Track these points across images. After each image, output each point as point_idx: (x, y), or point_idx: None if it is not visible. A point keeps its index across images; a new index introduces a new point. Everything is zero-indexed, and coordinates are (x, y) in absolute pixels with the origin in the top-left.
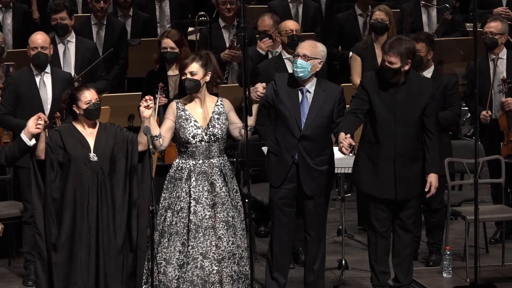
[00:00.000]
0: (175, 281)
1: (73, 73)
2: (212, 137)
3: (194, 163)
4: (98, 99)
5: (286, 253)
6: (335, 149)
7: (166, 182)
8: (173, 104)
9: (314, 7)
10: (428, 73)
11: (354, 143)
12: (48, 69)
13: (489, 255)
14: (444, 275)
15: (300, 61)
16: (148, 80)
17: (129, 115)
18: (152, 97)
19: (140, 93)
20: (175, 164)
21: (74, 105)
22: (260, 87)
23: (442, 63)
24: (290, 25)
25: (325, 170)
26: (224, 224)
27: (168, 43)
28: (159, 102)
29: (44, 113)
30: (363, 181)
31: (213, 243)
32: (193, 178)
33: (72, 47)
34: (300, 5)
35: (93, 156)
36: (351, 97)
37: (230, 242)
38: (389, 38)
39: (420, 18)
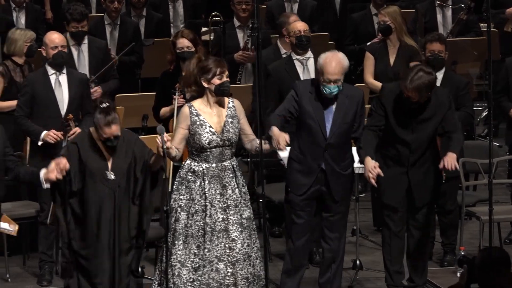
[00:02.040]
0: (190, 284)
1: (88, 75)
2: (227, 142)
3: (207, 166)
4: (115, 135)
5: (305, 253)
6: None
7: (176, 183)
8: (185, 110)
9: (310, 6)
10: (440, 74)
11: (382, 174)
12: (64, 69)
13: None
14: (459, 275)
15: (333, 86)
16: (162, 80)
17: (143, 115)
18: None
19: (154, 93)
20: (186, 166)
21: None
22: (282, 141)
23: (456, 64)
24: (299, 26)
25: (349, 174)
26: (238, 226)
27: (184, 42)
28: (177, 103)
29: (60, 114)
30: (384, 194)
31: (227, 245)
32: (207, 181)
33: (85, 48)
34: (296, 4)
35: (110, 175)
36: (365, 98)
37: (245, 244)
38: (409, 66)
39: (435, 18)
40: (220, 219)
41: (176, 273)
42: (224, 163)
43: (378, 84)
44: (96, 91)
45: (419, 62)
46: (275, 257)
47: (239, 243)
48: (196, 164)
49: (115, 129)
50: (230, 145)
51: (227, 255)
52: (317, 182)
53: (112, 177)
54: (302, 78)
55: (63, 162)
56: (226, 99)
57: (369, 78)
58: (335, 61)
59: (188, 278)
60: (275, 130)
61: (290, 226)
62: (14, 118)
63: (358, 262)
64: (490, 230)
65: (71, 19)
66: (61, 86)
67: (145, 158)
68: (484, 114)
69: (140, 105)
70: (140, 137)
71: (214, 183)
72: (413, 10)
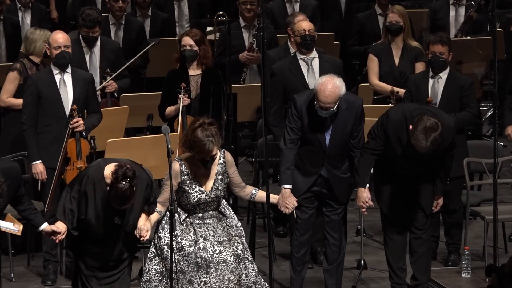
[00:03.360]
0: None
1: (98, 78)
2: (214, 198)
3: (194, 215)
4: (128, 181)
5: (308, 248)
6: None
7: (163, 222)
8: (176, 167)
9: (312, 6)
10: (444, 74)
11: (373, 206)
12: (68, 69)
13: (508, 254)
14: (463, 275)
15: (325, 112)
16: (168, 79)
17: (147, 114)
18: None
19: (159, 93)
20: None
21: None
22: (290, 206)
23: (461, 63)
24: (304, 25)
25: (348, 177)
26: (235, 257)
27: (187, 41)
28: (182, 103)
29: (64, 113)
30: (384, 204)
31: (225, 277)
32: (195, 224)
33: (97, 50)
34: (297, 3)
35: (117, 220)
36: (369, 99)
37: (243, 275)
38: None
39: (448, 15)
40: (218, 251)
41: None
42: (210, 212)
43: (384, 86)
44: (111, 84)
45: (424, 63)
46: (279, 257)
47: (237, 275)
48: (183, 212)
49: (127, 206)
50: (217, 199)
51: (226, 287)
52: (318, 185)
53: (119, 222)
54: (306, 78)
55: (60, 236)
56: (217, 154)
57: (375, 80)
58: (329, 90)
59: None
60: (286, 192)
61: (294, 222)
62: (21, 128)
63: (362, 261)
64: (494, 230)
65: (82, 25)
66: (66, 85)
67: (147, 200)
68: (489, 113)
69: (145, 104)
70: (144, 136)
71: (203, 226)
72: (419, 10)
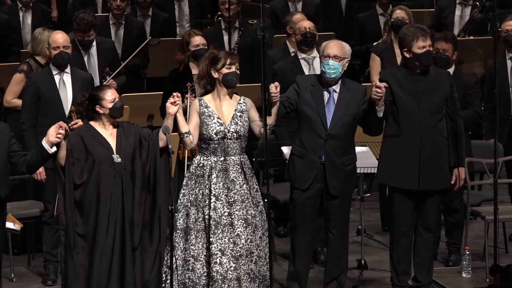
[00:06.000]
0: (204, 278)
1: (97, 78)
2: (234, 134)
3: (216, 159)
4: (119, 98)
5: (309, 253)
6: (357, 148)
7: (186, 178)
8: (195, 102)
9: (315, 5)
10: None
11: (387, 85)
12: (68, 69)
13: (509, 254)
14: (464, 275)
15: (332, 62)
16: (171, 79)
17: (148, 114)
18: (179, 94)
19: (160, 93)
20: (196, 161)
21: (97, 106)
22: (272, 87)
23: (462, 63)
24: (304, 23)
25: (351, 170)
26: (243, 221)
27: (200, 40)
28: (189, 102)
29: (64, 113)
30: (387, 173)
31: (231, 240)
32: (214, 175)
33: (94, 51)
34: (299, 2)
35: (116, 158)
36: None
37: (249, 240)
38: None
39: (453, 14)
40: (226, 214)
41: (190, 268)
42: (232, 157)
43: None
44: (112, 83)
45: None
46: (280, 257)
47: (242, 239)
48: (205, 158)
49: (115, 92)
50: (238, 138)
51: (231, 250)
52: (318, 179)
53: (119, 160)
54: None
55: (61, 124)
56: (238, 96)
57: (377, 79)
58: (335, 41)
59: (202, 272)
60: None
61: (294, 227)
62: (20, 128)
63: (363, 261)
64: (495, 230)
65: (77, 29)
66: (65, 85)
67: (148, 137)
68: None
69: (146, 104)
70: None
71: (222, 177)
72: (418, 10)
